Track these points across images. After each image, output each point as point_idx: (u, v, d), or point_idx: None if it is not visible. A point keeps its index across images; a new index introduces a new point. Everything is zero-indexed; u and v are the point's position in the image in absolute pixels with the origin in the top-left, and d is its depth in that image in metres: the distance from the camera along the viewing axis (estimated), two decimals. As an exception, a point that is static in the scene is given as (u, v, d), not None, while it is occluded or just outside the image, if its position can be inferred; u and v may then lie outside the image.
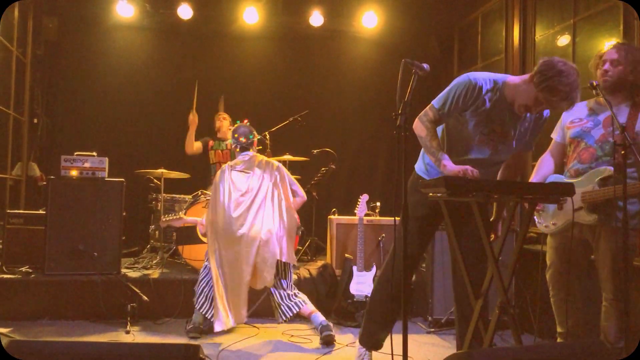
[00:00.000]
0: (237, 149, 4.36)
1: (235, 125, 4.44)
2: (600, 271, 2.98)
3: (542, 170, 3.22)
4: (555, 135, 3.25)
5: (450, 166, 2.68)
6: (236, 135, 4.34)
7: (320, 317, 4.06)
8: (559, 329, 3.21)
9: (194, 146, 6.07)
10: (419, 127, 2.84)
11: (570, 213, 2.84)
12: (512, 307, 2.53)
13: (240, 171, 4.27)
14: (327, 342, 3.95)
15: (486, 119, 2.80)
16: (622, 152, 2.57)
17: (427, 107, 2.87)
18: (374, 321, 3.23)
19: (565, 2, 4.91)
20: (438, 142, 2.81)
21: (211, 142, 6.19)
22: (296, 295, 4.15)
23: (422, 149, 3.02)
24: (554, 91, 2.54)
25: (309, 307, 4.12)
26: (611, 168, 2.86)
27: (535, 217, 3.20)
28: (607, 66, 2.93)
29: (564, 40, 4.90)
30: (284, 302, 4.07)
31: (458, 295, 3.11)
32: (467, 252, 2.86)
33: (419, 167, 3.11)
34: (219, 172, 4.28)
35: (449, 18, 6.80)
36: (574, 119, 3.10)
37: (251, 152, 4.36)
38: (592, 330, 3.15)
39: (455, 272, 3.09)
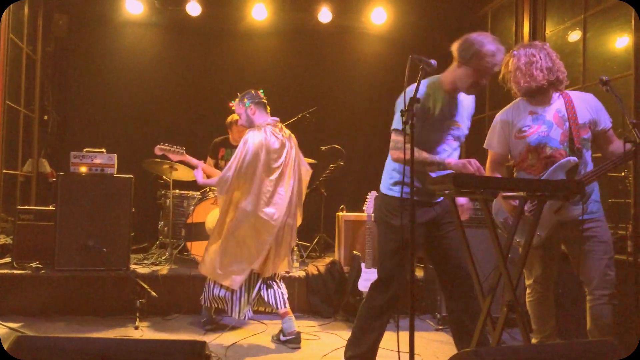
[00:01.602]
0: (254, 109, 4.05)
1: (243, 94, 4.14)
2: (586, 268, 2.91)
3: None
4: (490, 147, 3.22)
5: (454, 162, 2.74)
6: (253, 92, 4.13)
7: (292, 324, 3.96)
8: (539, 335, 3.17)
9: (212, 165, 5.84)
10: (397, 154, 2.93)
11: (549, 217, 2.92)
12: (521, 305, 2.51)
13: (276, 136, 4.00)
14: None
15: (442, 117, 2.90)
16: (633, 148, 2.55)
17: (392, 135, 2.99)
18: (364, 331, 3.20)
19: (576, -3, 4.87)
20: (424, 151, 2.85)
21: (222, 151, 6.11)
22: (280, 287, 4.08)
23: (385, 171, 3.21)
24: (480, 55, 2.74)
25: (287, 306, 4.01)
26: (574, 159, 2.87)
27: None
28: (516, 82, 3.01)
29: (574, 35, 4.85)
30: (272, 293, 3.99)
31: (447, 294, 3.11)
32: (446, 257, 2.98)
33: (384, 186, 3.18)
34: (257, 134, 3.91)
35: (458, 14, 6.76)
36: (521, 127, 3.06)
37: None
38: (569, 330, 3.12)
39: (440, 272, 3.10)
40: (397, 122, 2.93)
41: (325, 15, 6.54)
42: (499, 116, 3.19)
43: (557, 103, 3.00)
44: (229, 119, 5.98)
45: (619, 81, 4.21)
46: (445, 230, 3.01)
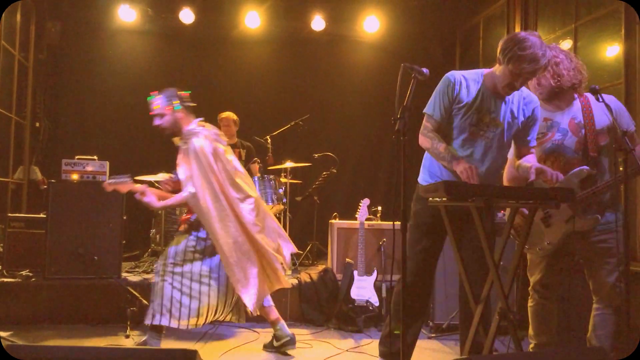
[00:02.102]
0: (182, 114, 3.77)
1: (157, 94, 3.81)
2: (596, 279, 2.91)
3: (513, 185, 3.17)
4: (511, 152, 3.14)
5: (460, 164, 2.71)
6: (179, 93, 3.85)
7: None
8: (535, 341, 3.14)
9: None
10: (422, 140, 2.91)
11: (562, 226, 2.87)
12: (513, 312, 2.51)
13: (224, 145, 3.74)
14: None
15: (473, 110, 2.85)
16: (624, 157, 2.56)
17: (424, 119, 2.94)
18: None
19: (566, 6, 4.91)
20: (445, 145, 2.84)
21: None
22: None
23: (424, 162, 3.06)
24: (520, 58, 2.62)
25: None
26: (587, 168, 2.82)
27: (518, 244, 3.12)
28: (534, 81, 2.91)
29: (565, 44, 4.90)
30: None
31: (462, 300, 3.09)
32: (468, 259, 2.86)
33: (421, 178, 3.10)
34: (203, 142, 3.60)
35: (450, 23, 6.81)
36: (536, 134, 3.01)
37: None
38: (571, 339, 3.10)
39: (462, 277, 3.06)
40: (428, 107, 2.91)
41: (318, 23, 6.57)
42: None
43: (574, 108, 2.92)
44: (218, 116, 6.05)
45: (610, 90, 4.24)
46: (472, 231, 2.90)
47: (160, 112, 3.73)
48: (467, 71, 2.93)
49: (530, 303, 3.17)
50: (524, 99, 2.92)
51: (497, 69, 2.80)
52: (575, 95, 2.96)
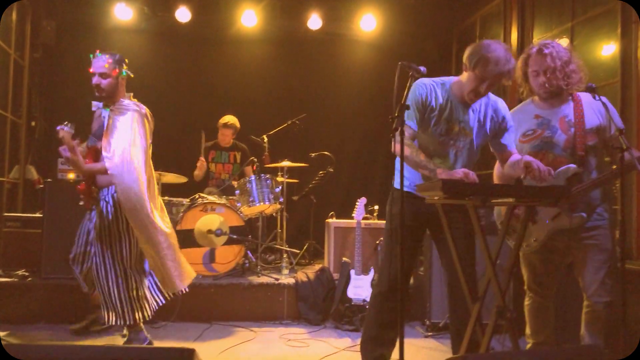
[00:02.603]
0: (123, 82, 3.73)
1: (105, 53, 3.70)
2: (585, 276, 2.90)
3: (503, 181, 3.16)
4: None
5: (447, 174, 2.69)
6: (125, 61, 3.72)
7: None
8: (533, 340, 3.15)
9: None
10: (399, 148, 2.84)
11: (547, 223, 2.89)
12: (510, 311, 2.51)
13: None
14: None
15: (443, 120, 2.86)
16: (620, 155, 2.57)
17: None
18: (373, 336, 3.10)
19: (563, 5, 4.92)
20: (424, 154, 2.83)
21: (212, 153, 6.16)
22: None
23: (397, 166, 3.04)
24: (485, 61, 2.68)
25: None
26: (573, 166, 2.84)
27: (507, 242, 3.09)
28: (542, 79, 2.89)
29: (562, 43, 4.90)
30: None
31: (451, 299, 3.08)
32: (449, 257, 2.87)
33: (397, 182, 3.09)
34: (145, 119, 3.62)
35: (447, 21, 6.81)
36: (525, 131, 3.03)
37: None
38: (568, 337, 3.11)
39: (450, 276, 3.05)
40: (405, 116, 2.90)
41: (315, 22, 6.56)
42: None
43: (567, 107, 2.93)
44: (218, 122, 6.06)
45: (606, 88, 4.26)
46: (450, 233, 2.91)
47: (106, 71, 3.58)
48: (436, 78, 2.93)
49: (526, 302, 3.17)
50: (491, 106, 2.94)
51: (464, 76, 2.84)
52: (570, 94, 2.96)
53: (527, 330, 3.17)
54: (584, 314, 2.95)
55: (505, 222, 2.63)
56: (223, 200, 5.20)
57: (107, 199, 3.49)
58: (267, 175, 5.37)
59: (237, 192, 5.38)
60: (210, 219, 4.99)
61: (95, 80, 3.55)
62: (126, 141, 3.45)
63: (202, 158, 5.95)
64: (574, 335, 3.13)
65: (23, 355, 1.80)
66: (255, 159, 5.81)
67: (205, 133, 6.25)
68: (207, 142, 6.16)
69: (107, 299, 3.45)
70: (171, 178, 5.51)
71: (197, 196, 5.35)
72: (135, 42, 6.92)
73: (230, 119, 6.09)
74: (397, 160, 3.00)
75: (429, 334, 4.42)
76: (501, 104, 2.98)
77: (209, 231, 4.96)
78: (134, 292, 3.49)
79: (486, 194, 2.44)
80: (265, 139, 6.11)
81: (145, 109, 3.65)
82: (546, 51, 2.88)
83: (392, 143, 2.81)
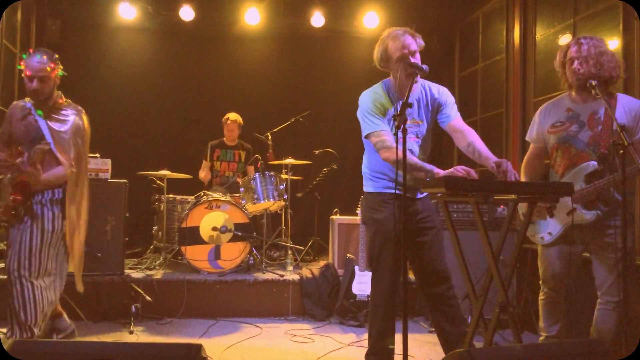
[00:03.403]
0: (58, 82, 3.34)
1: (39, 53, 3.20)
2: (600, 273, 2.92)
3: (529, 172, 3.24)
4: (530, 138, 3.23)
5: (443, 172, 2.73)
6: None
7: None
8: (545, 333, 3.16)
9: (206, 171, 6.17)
10: (386, 153, 2.89)
11: (564, 218, 2.90)
12: (513, 306, 2.53)
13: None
14: None
15: (393, 118, 2.95)
16: (621, 151, 2.58)
17: (372, 137, 2.98)
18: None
19: (565, 1, 4.92)
20: (415, 157, 2.91)
21: (217, 152, 6.19)
22: None
23: (365, 172, 3.18)
24: (389, 49, 3.03)
25: None
26: (594, 163, 2.85)
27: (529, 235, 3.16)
28: (576, 64, 2.92)
29: (564, 39, 4.91)
30: None
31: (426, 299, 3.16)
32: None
33: (370, 185, 3.15)
34: (79, 118, 3.30)
35: (450, 18, 6.81)
36: (554, 122, 3.06)
37: None
38: (581, 333, 3.12)
39: (418, 278, 3.14)
40: (369, 126, 3.02)
41: (317, 19, 6.57)
42: (541, 108, 3.19)
43: (599, 104, 2.92)
44: (224, 118, 6.10)
45: (608, 84, 4.26)
46: (424, 234, 3.06)
47: (47, 74, 3.16)
48: (372, 89, 3.20)
49: (540, 296, 3.19)
50: (429, 89, 3.12)
51: (392, 71, 3.12)
52: (606, 92, 2.94)
53: (540, 323, 3.19)
54: (595, 311, 2.97)
55: (508, 218, 2.65)
56: (228, 198, 5.23)
57: (44, 204, 3.17)
58: (272, 173, 5.40)
59: (242, 189, 5.42)
60: (215, 217, 5.03)
61: (34, 85, 3.13)
62: (76, 147, 3.22)
63: (205, 163, 6.11)
64: (585, 331, 3.15)
65: (32, 351, 1.83)
66: (260, 157, 5.84)
67: (209, 131, 6.31)
68: (211, 142, 6.21)
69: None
70: (176, 176, 5.54)
71: (202, 194, 5.39)
72: (139, 41, 6.95)
73: (232, 116, 6.13)
74: (365, 164, 3.18)
75: (432, 329, 4.44)
76: (433, 87, 3.14)
77: (214, 228, 5.00)
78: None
79: (489, 191, 2.46)
80: (269, 137, 6.15)
81: (82, 110, 3.42)
82: (582, 41, 2.94)
83: (384, 152, 2.90)
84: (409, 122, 2.86)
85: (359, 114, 3.11)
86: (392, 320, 3.05)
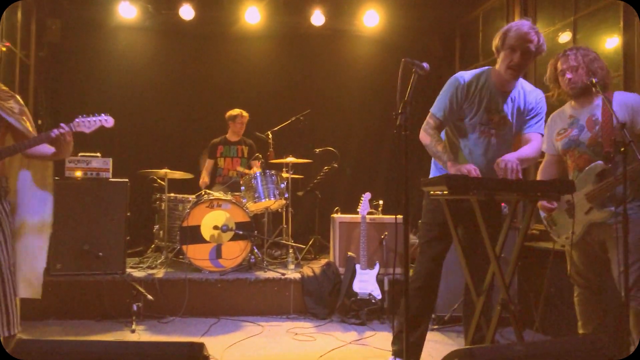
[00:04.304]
0: None
1: None
2: (615, 271, 2.91)
3: (544, 177, 3.27)
4: (544, 147, 3.27)
5: (456, 168, 2.74)
6: None
7: None
8: (582, 331, 3.16)
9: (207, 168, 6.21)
10: (423, 136, 3.00)
11: (583, 217, 2.94)
12: (514, 304, 2.54)
13: None
14: None
15: (483, 110, 2.95)
16: (622, 149, 2.58)
17: (428, 116, 3.02)
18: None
19: (566, -1, 4.92)
20: (443, 145, 2.94)
21: (221, 148, 6.19)
22: None
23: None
24: (507, 30, 2.86)
25: None
26: (600, 162, 2.91)
27: (550, 232, 3.21)
28: (568, 75, 3.01)
29: (565, 37, 4.91)
30: None
31: (466, 292, 3.12)
32: (470, 252, 2.90)
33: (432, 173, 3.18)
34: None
35: (450, 16, 6.81)
36: (559, 129, 3.15)
37: None
38: (617, 334, 3.11)
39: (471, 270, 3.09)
40: (435, 106, 3.00)
41: (318, 18, 6.57)
42: (549, 118, 3.24)
43: (596, 106, 3.01)
44: (231, 113, 6.09)
45: (609, 82, 4.26)
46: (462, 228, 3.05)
47: None
48: (474, 71, 3.01)
49: (574, 294, 3.21)
50: (530, 93, 3.04)
51: (498, 62, 2.93)
52: (599, 93, 2.96)
53: (579, 323, 3.21)
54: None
55: (509, 217, 2.65)
56: (229, 197, 5.23)
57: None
58: (272, 171, 5.41)
59: (243, 188, 5.42)
60: (216, 215, 5.04)
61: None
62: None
63: (208, 161, 6.16)
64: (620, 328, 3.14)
65: (35, 350, 1.84)
66: (260, 155, 5.84)
67: (210, 130, 6.32)
68: (213, 139, 6.22)
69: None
70: (177, 175, 5.55)
71: (203, 192, 5.39)
72: (139, 40, 6.95)
73: (240, 112, 6.14)
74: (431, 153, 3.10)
75: (435, 327, 4.45)
76: (537, 91, 3.07)
77: (215, 227, 5.01)
78: None
79: (489, 189, 2.46)
80: (270, 135, 6.15)
81: None
82: (569, 53, 3.02)
83: (421, 133, 2.98)
84: (495, 118, 2.95)
85: None
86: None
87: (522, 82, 3.05)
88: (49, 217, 3.19)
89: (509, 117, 2.99)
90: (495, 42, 2.92)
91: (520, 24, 2.85)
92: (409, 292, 2.97)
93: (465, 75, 2.99)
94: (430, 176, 3.15)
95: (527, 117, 3.03)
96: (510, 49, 2.84)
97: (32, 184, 3.21)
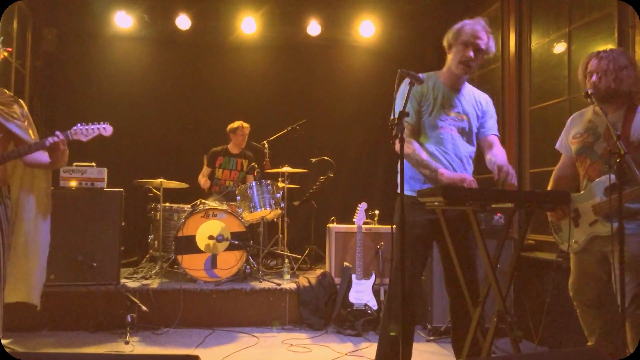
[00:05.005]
0: None
1: None
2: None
3: (557, 180, 3.25)
4: (559, 147, 3.26)
5: (447, 174, 2.73)
6: None
7: None
8: (589, 343, 3.12)
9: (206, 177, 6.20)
10: (404, 146, 2.87)
11: (587, 228, 2.91)
12: (510, 315, 2.53)
13: None
14: None
15: (439, 107, 2.98)
16: (618, 159, 2.58)
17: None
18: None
19: (560, 10, 4.95)
20: (425, 152, 2.90)
21: (220, 159, 6.18)
22: None
23: (406, 171, 3.08)
24: (458, 28, 2.98)
25: None
26: (612, 176, 2.86)
27: (555, 237, 3.18)
28: (594, 78, 2.94)
29: (559, 48, 4.93)
30: None
31: (452, 303, 3.10)
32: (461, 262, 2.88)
33: (407, 188, 3.11)
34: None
35: (445, 27, 6.80)
36: (575, 133, 3.10)
37: None
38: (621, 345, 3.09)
39: (448, 281, 3.07)
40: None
41: (314, 28, 6.60)
42: (570, 117, 3.22)
43: (618, 116, 2.93)
44: (232, 125, 6.08)
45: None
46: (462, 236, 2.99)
47: None
48: (421, 74, 3.01)
49: (575, 303, 3.17)
50: (478, 95, 3.14)
51: (448, 60, 3.02)
52: (626, 106, 2.95)
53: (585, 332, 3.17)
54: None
55: (505, 227, 2.65)
56: (224, 206, 5.22)
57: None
58: (268, 181, 5.40)
59: (238, 198, 5.41)
60: (211, 225, 5.02)
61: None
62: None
63: (205, 169, 6.15)
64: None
65: (28, 363, 1.82)
66: (256, 165, 5.84)
67: (206, 140, 6.31)
68: (215, 148, 6.21)
69: None
70: (172, 185, 5.54)
71: (198, 202, 5.38)
72: (135, 50, 6.96)
73: (243, 124, 6.14)
74: (406, 165, 3.07)
75: (431, 338, 4.43)
76: (485, 95, 3.18)
77: (211, 237, 4.99)
78: None
79: (486, 200, 2.46)
80: (266, 145, 6.15)
81: None
82: (603, 55, 2.96)
83: (395, 144, 2.88)
84: (452, 114, 2.98)
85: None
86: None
87: (469, 85, 3.13)
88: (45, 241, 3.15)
89: (465, 112, 3.04)
90: (448, 37, 3.00)
91: (474, 21, 2.96)
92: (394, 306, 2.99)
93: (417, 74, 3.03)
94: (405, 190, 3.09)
95: (482, 118, 3.10)
96: (464, 45, 2.93)
97: (36, 211, 3.31)
